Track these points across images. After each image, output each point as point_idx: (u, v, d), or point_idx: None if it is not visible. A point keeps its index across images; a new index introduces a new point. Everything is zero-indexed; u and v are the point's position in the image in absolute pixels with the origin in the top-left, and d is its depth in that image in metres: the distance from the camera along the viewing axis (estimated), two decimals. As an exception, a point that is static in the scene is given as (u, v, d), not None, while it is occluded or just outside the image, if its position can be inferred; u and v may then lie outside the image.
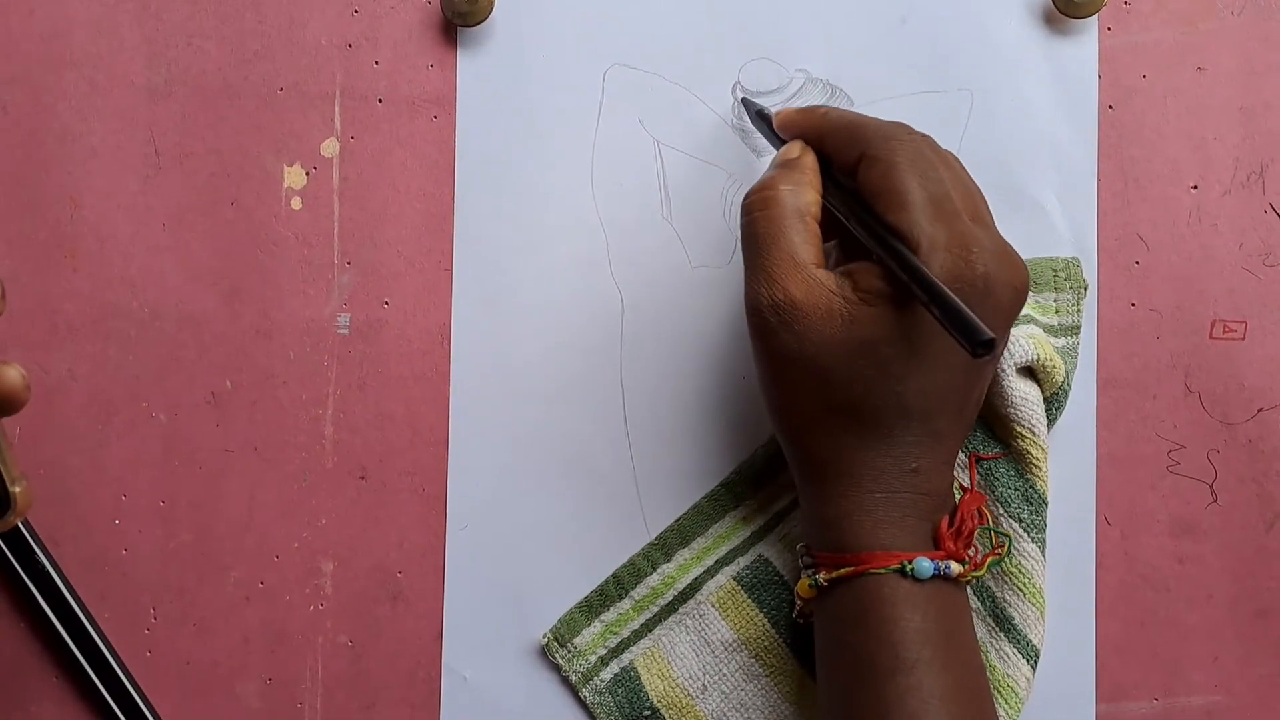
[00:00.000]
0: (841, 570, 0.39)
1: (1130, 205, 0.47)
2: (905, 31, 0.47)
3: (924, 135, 0.40)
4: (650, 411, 0.47)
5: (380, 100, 0.47)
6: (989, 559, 0.41)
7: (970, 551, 0.40)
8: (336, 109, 0.47)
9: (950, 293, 0.35)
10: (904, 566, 0.38)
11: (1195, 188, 0.47)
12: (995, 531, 0.43)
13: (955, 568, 0.39)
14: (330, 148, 0.47)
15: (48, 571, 0.46)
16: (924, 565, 0.38)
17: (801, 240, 0.39)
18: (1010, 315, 0.39)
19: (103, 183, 0.47)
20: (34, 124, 0.47)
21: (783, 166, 0.41)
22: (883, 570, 0.38)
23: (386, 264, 0.47)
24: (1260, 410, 0.46)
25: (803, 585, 0.41)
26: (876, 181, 0.38)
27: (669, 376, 0.47)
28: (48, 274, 0.47)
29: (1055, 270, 0.46)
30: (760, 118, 0.45)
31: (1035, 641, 0.44)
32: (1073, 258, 0.46)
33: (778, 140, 0.43)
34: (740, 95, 0.47)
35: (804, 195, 0.40)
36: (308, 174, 0.47)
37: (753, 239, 0.40)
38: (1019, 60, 0.47)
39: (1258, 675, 0.46)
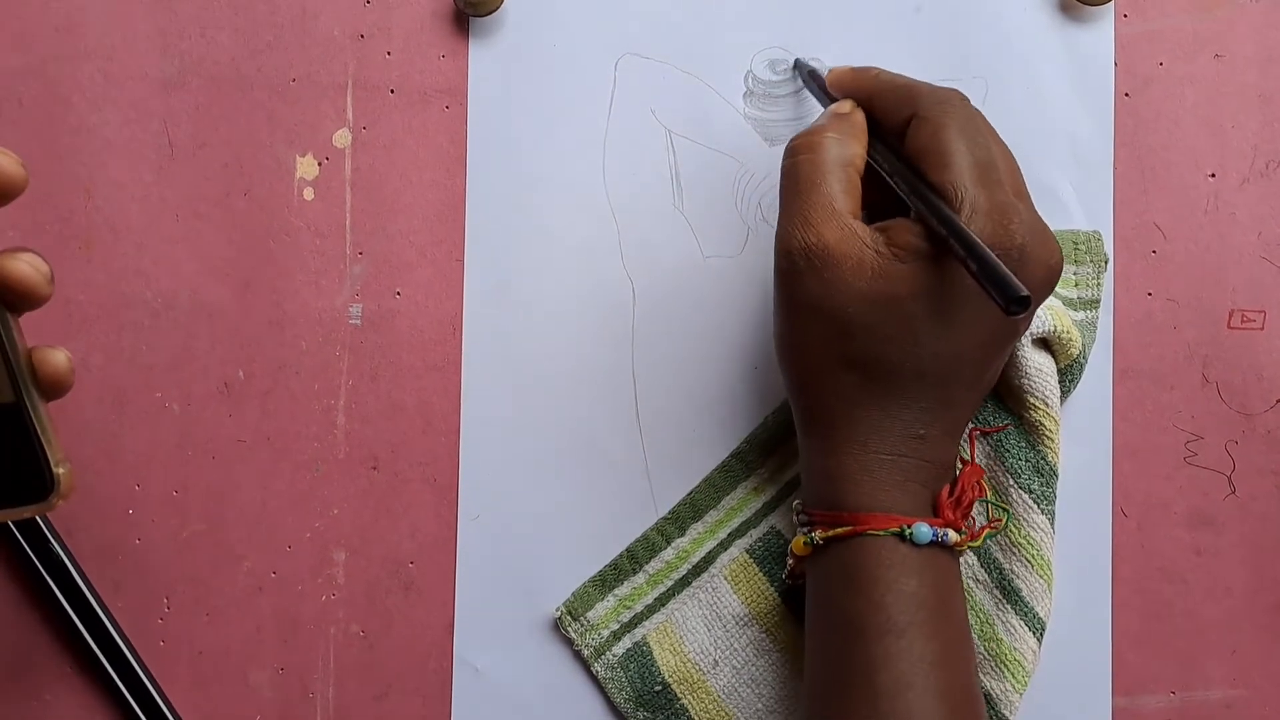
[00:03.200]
0: (838, 529, 0.39)
1: (1147, 194, 0.46)
2: (920, 19, 0.47)
3: (975, 108, 0.40)
4: (661, 401, 0.47)
5: (392, 91, 0.47)
6: (985, 531, 0.41)
7: (967, 523, 0.40)
8: (349, 99, 0.47)
9: (984, 247, 0.35)
10: (903, 530, 0.38)
11: (1213, 176, 0.46)
12: (993, 504, 0.43)
13: (953, 536, 0.39)
14: (342, 138, 0.47)
15: (62, 561, 0.46)
16: (923, 530, 0.38)
17: (841, 189, 0.39)
18: (1041, 293, 0.39)
19: (116, 173, 0.47)
20: (48, 115, 0.47)
21: (833, 117, 0.41)
22: (881, 532, 0.38)
23: (398, 254, 0.47)
24: (1279, 401, 0.46)
25: (797, 543, 0.40)
26: (925, 141, 0.38)
27: (680, 366, 0.47)
28: (62, 264, 0.47)
29: (1076, 243, 0.45)
30: (812, 78, 0.45)
31: (1042, 614, 0.43)
32: (1094, 231, 0.45)
33: (828, 99, 0.43)
34: (793, 60, 0.47)
35: (850, 146, 0.40)
36: (320, 164, 0.47)
37: (793, 181, 0.40)
38: (1034, 48, 0.46)
39: (1277, 669, 0.46)
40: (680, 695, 0.45)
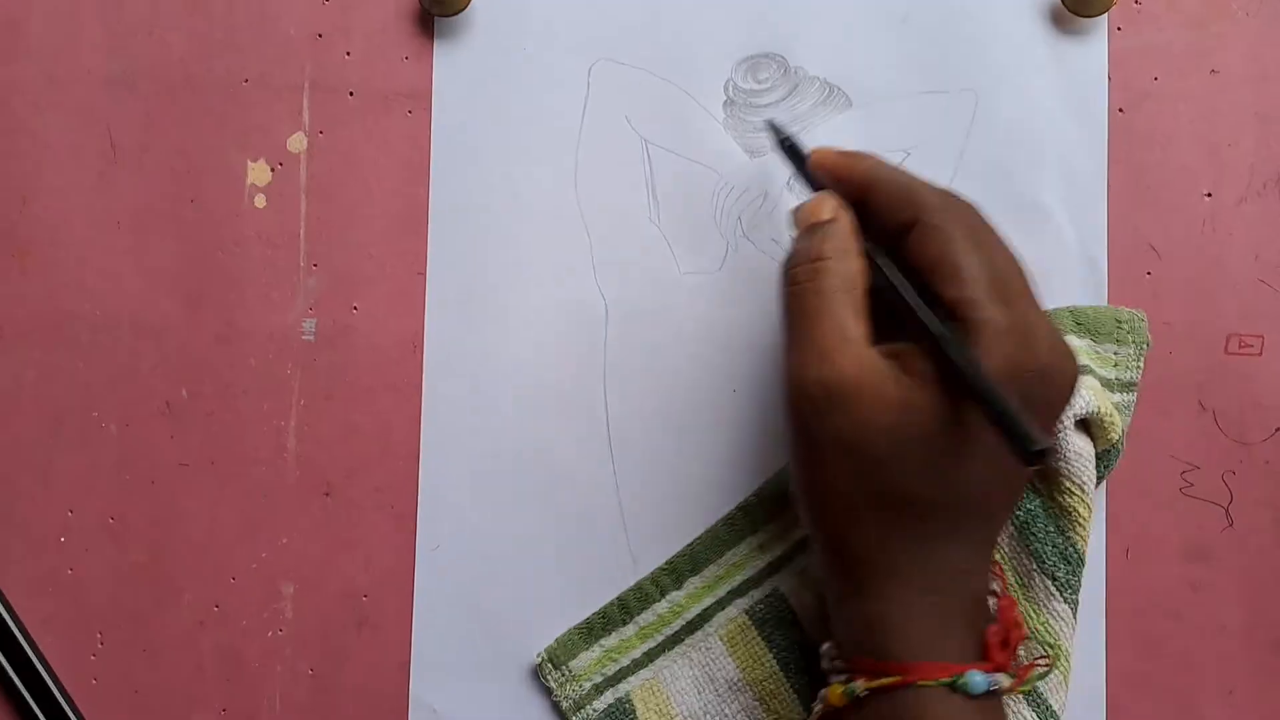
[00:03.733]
0: (884, 680, 0.36)
1: (1141, 213, 0.45)
2: (907, 29, 0.45)
3: (978, 210, 0.38)
4: (635, 426, 0.45)
5: (351, 93, 0.46)
6: (1032, 670, 0.38)
7: (1014, 662, 0.37)
8: (305, 102, 0.45)
9: (1003, 395, 0.33)
10: (955, 680, 0.35)
11: (1209, 195, 0.45)
12: (1037, 640, 0.41)
13: (1005, 681, 0.36)
14: (298, 143, 0.45)
15: (-13, 593, 0.44)
16: (977, 680, 0.35)
17: (852, 315, 0.36)
18: (1060, 409, 0.37)
19: (56, 179, 0.46)
20: (-18, 115, 0.45)
21: (821, 230, 0.38)
22: (932, 683, 0.35)
23: (356, 267, 0.45)
24: (1278, 430, 0.44)
25: (834, 692, 0.37)
26: (934, 253, 0.36)
27: (655, 388, 0.45)
28: (-7, 274, 0.45)
29: (1119, 321, 0.44)
30: (789, 150, 0.42)
31: (1056, 708, 0.42)
32: (1138, 311, 0.44)
33: (806, 179, 0.40)
34: (766, 120, 0.43)
35: (852, 264, 0.37)
36: (273, 170, 0.45)
37: (800, 312, 0.37)
38: (1026, 61, 0.45)
39: (1274, 710, 0.44)
40: None
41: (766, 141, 0.45)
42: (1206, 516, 0.45)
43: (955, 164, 0.45)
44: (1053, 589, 0.42)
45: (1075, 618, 0.42)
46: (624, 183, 0.45)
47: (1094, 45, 0.45)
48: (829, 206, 0.39)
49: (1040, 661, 0.40)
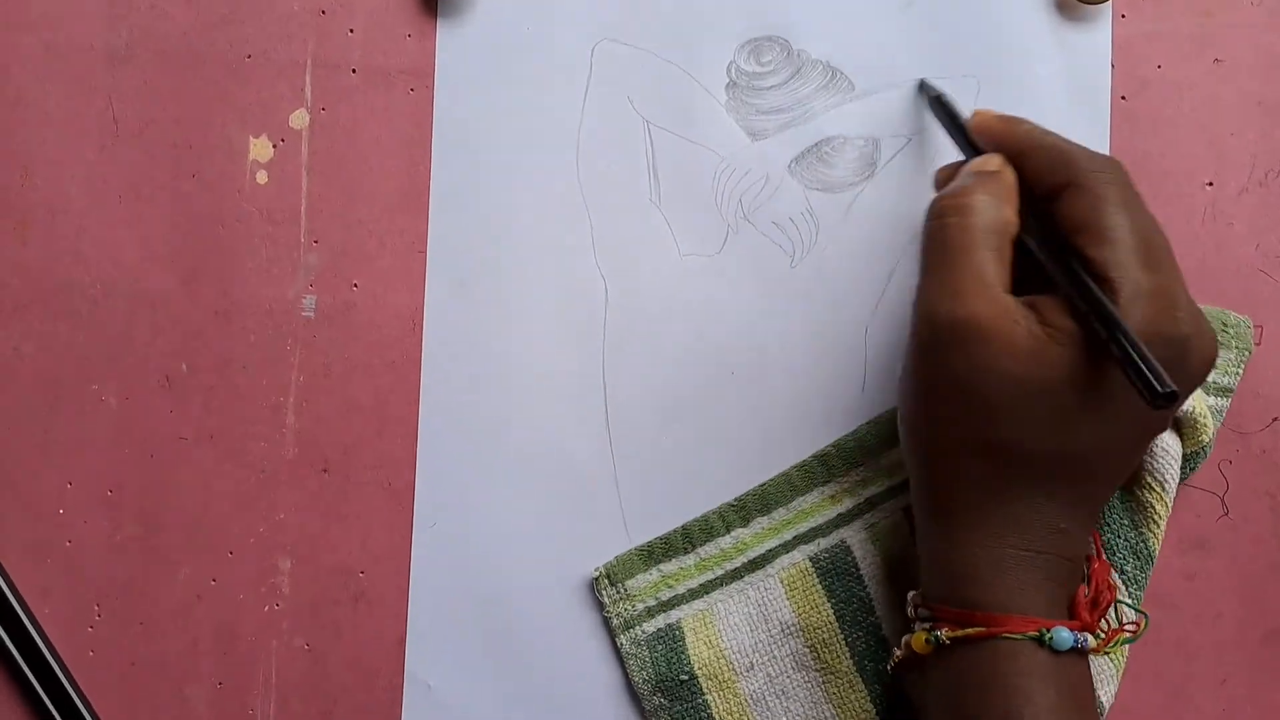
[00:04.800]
0: (969, 630, 0.36)
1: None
2: (911, 14, 0.45)
3: (1121, 166, 0.37)
4: (633, 407, 0.45)
5: (354, 70, 0.45)
6: (1117, 635, 0.38)
7: (1102, 625, 0.37)
8: (307, 79, 0.45)
9: (1136, 336, 0.33)
10: (1042, 634, 0.35)
11: (1210, 185, 0.45)
12: (1126, 604, 0.40)
13: (1092, 641, 0.36)
14: (299, 119, 0.45)
15: (-16, 563, 0.43)
16: (1064, 635, 0.35)
17: (994, 258, 0.36)
18: (1196, 384, 0.37)
19: (56, 151, 0.45)
20: (-16, 86, 0.45)
21: (982, 176, 0.38)
22: (1018, 636, 0.35)
23: (356, 244, 0.45)
24: (1275, 419, 0.44)
25: (918, 639, 0.37)
26: (1083, 214, 0.36)
27: (653, 370, 0.45)
28: (-6, 246, 0.45)
29: (1225, 325, 0.43)
30: (944, 108, 0.42)
31: (1105, 700, 0.41)
32: (1245, 317, 0.44)
33: (965, 141, 0.41)
34: (919, 83, 0.44)
35: (1004, 212, 0.37)
36: (275, 146, 0.45)
37: (941, 246, 0.37)
38: (1029, 47, 0.45)
39: (1267, 699, 0.44)
40: (706, 690, 0.43)
41: (769, 124, 0.45)
42: (1203, 506, 0.44)
43: (956, 150, 0.44)
44: (1119, 583, 0.41)
45: (1138, 614, 0.41)
46: (625, 164, 0.45)
47: (1098, 32, 0.45)
48: (996, 161, 0.38)
49: (1128, 626, 0.39)
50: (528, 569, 0.45)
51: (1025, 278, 0.37)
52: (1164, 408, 0.31)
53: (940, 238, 0.37)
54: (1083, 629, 0.36)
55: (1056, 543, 0.36)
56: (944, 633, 0.36)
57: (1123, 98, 0.45)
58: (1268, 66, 0.45)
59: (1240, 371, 0.43)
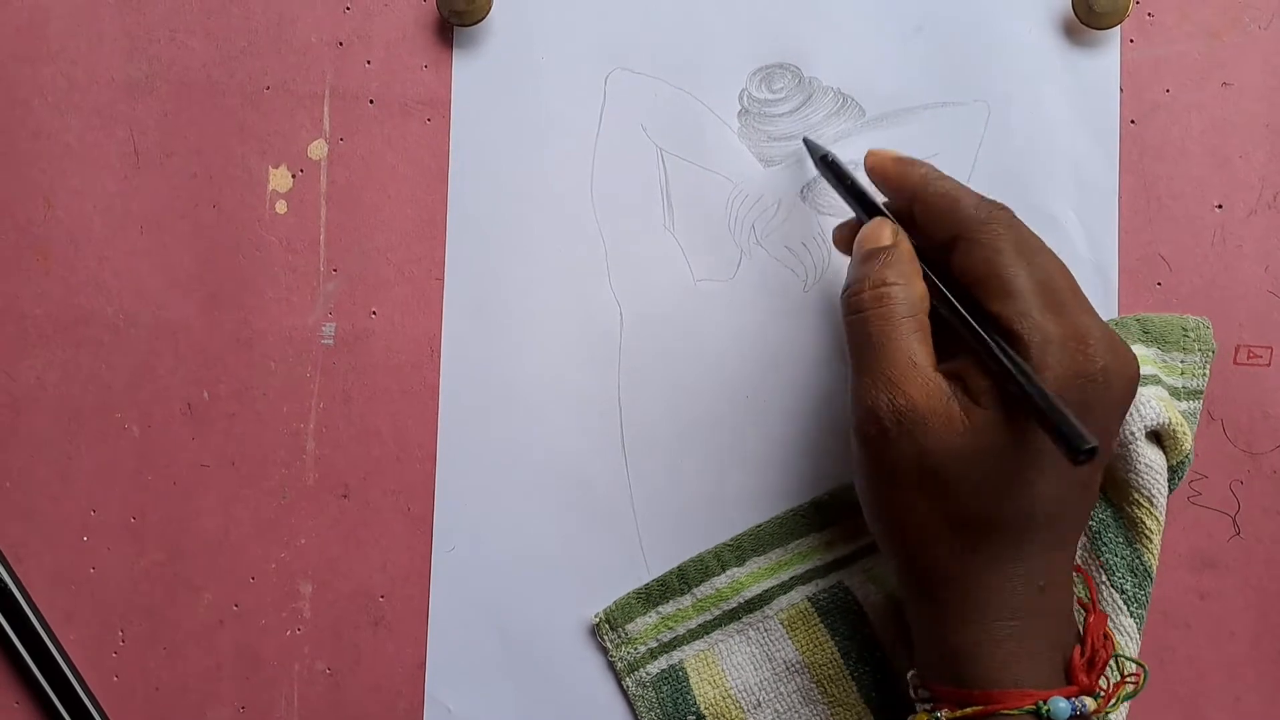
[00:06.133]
0: (967, 709, 0.36)
1: (1152, 224, 0.45)
2: (920, 40, 0.45)
3: (1020, 221, 0.37)
4: (649, 431, 0.45)
5: (371, 101, 0.46)
6: (1119, 690, 0.38)
7: (1101, 681, 0.37)
8: (325, 109, 0.45)
9: (1050, 396, 0.33)
10: (1039, 707, 0.35)
11: (1220, 207, 0.45)
12: (1127, 659, 0.40)
13: (1090, 704, 0.36)
14: (318, 149, 0.45)
15: (10, 589, 0.44)
16: (1060, 706, 0.35)
17: (919, 339, 0.36)
18: (1123, 409, 0.37)
19: (78, 182, 0.45)
20: (7, 119, 0.45)
21: (881, 256, 0.38)
22: (1015, 712, 0.35)
23: (375, 272, 0.45)
24: (1286, 440, 0.45)
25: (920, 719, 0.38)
26: (979, 267, 0.36)
27: (668, 394, 0.45)
28: (18, 276, 0.45)
29: (1186, 330, 0.44)
30: (830, 168, 0.42)
31: None
32: (1203, 319, 0.44)
33: (852, 197, 0.41)
34: (804, 140, 0.45)
35: (915, 288, 0.37)
36: (294, 177, 0.45)
37: (865, 340, 0.37)
38: (1038, 72, 0.45)
39: None
40: None
41: (780, 151, 0.45)
42: (1214, 525, 0.45)
43: (968, 175, 0.45)
44: (1120, 603, 0.41)
45: (1140, 633, 0.41)
46: (639, 191, 0.45)
47: (1106, 57, 0.45)
48: (889, 232, 0.39)
49: (1129, 679, 0.39)
50: (546, 592, 0.45)
51: (945, 330, 0.37)
52: (1084, 463, 0.31)
53: (865, 331, 0.37)
54: (1080, 693, 0.36)
55: (1041, 603, 0.36)
56: (944, 714, 0.37)
57: (1132, 121, 0.45)
58: (1276, 89, 0.45)
59: (1206, 373, 0.43)
